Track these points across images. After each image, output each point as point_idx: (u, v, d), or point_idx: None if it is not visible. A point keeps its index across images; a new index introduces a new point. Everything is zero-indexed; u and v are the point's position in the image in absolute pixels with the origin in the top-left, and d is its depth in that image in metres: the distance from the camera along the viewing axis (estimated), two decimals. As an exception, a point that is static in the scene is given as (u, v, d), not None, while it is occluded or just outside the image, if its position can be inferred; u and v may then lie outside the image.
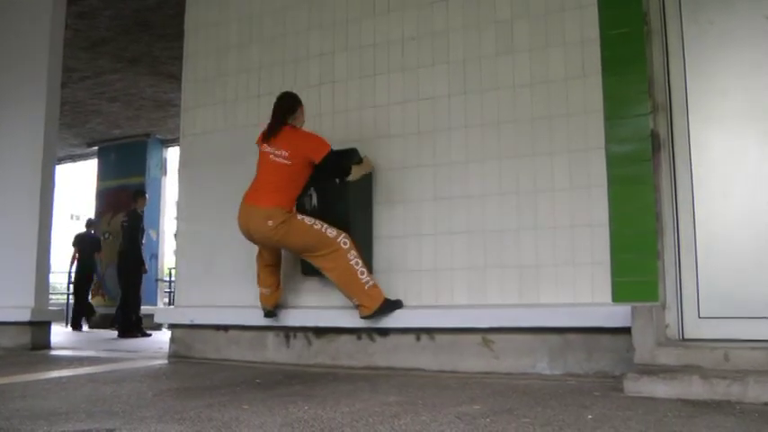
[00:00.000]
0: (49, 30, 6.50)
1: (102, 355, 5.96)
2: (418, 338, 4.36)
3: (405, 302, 4.47)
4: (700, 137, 3.79)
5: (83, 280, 11.55)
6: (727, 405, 2.80)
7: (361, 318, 4.36)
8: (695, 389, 2.96)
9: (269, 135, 4.42)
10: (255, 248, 4.80)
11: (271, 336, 4.92)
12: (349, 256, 4.28)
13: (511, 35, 4.37)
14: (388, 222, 4.65)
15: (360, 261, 4.30)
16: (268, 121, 4.52)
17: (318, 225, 4.34)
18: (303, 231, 4.32)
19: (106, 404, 3.05)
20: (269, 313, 4.76)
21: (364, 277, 4.30)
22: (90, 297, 11.99)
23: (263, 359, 4.90)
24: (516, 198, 4.24)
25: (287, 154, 4.33)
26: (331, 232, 4.32)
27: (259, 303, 4.79)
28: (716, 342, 3.45)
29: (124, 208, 12.72)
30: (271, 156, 4.37)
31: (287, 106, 4.50)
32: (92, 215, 13.43)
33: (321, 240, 4.30)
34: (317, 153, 4.34)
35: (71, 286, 12.25)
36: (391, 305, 4.37)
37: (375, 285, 4.34)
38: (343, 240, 4.30)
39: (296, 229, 4.32)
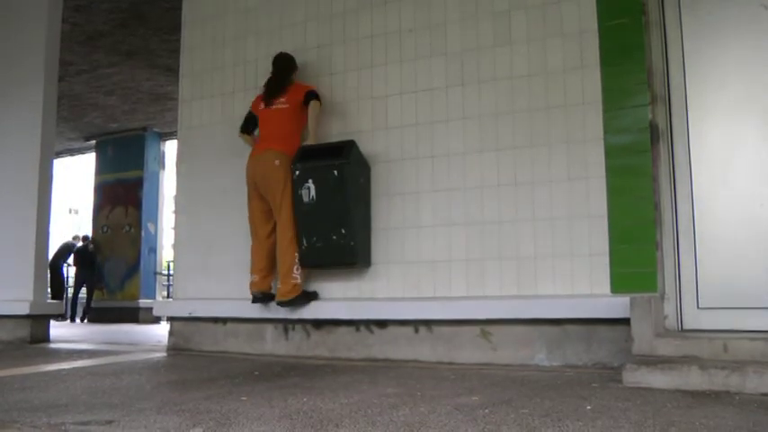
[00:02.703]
0: (46, 24, 6.48)
1: (102, 348, 5.96)
2: (416, 330, 4.37)
3: (403, 294, 4.49)
4: (698, 127, 3.79)
5: None
6: (726, 395, 2.81)
7: (277, 302, 4.71)
8: (694, 379, 2.96)
9: (270, 96, 4.87)
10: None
11: (269, 328, 4.92)
12: (296, 249, 4.67)
13: (508, 26, 4.36)
14: (386, 214, 4.65)
15: (297, 257, 4.67)
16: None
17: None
18: (289, 190, 4.67)
19: (105, 396, 3.05)
20: (256, 298, 4.81)
21: (296, 273, 4.67)
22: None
23: (261, 351, 4.90)
24: (514, 189, 4.24)
25: (284, 100, 4.81)
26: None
27: None
28: (715, 333, 3.45)
29: (122, 202, 12.82)
30: (272, 108, 4.84)
31: (286, 66, 4.95)
32: (89, 210, 13.54)
33: (291, 211, 4.67)
34: (305, 89, 4.81)
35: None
36: (307, 296, 4.73)
37: (300, 283, 4.70)
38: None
39: (288, 179, 4.67)
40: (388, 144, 4.69)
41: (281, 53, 4.98)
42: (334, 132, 4.85)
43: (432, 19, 4.63)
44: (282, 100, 4.82)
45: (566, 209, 4.07)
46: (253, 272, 4.83)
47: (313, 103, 4.75)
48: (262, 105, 4.91)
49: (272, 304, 4.82)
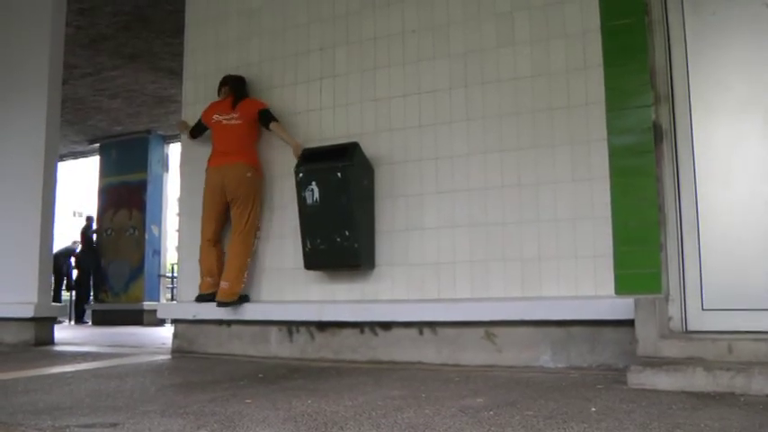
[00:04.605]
0: (49, 27, 6.48)
1: (106, 350, 5.96)
2: (421, 332, 4.36)
3: (407, 296, 4.51)
4: (702, 128, 3.78)
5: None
6: (731, 397, 2.80)
7: (219, 300, 4.96)
8: (699, 381, 2.95)
9: (225, 111, 5.17)
10: (258, 241, 4.85)
11: (274, 330, 4.92)
12: (250, 253, 5.05)
13: (512, 27, 4.36)
14: (390, 216, 4.65)
15: (249, 261, 5.05)
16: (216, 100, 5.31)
17: (259, 212, 5.11)
18: (257, 204, 5.09)
19: (110, 399, 3.05)
20: (204, 298, 5.10)
21: (245, 277, 5.02)
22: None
23: (266, 354, 4.90)
24: (518, 191, 4.23)
25: (237, 115, 5.11)
26: (258, 225, 5.10)
27: (260, 298, 4.91)
28: (719, 334, 3.44)
29: (126, 204, 12.84)
30: (224, 121, 5.15)
31: (243, 88, 5.27)
32: (94, 212, 13.58)
33: (254, 222, 5.06)
34: (257, 106, 5.12)
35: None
36: (243, 299, 5.01)
37: (243, 285, 5.01)
38: (255, 242, 5.09)
39: (258, 194, 5.10)
40: (392, 146, 4.69)
41: (232, 74, 5.31)
42: (338, 135, 4.85)
43: (435, 20, 4.63)
44: (236, 115, 5.12)
45: (569, 210, 4.07)
46: (207, 275, 5.11)
47: (275, 125, 5.03)
48: (215, 118, 5.21)
49: (278, 306, 4.84)
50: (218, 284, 5.04)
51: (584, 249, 4.00)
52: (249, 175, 5.04)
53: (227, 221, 5.17)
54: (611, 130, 3.97)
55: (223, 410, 2.70)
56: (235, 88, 5.22)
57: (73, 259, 13.53)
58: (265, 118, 5.06)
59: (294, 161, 4.78)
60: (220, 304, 4.96)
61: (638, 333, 3.36)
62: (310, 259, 4.66)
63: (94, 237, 13.26)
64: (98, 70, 9.67)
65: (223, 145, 5.16)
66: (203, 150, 5.50)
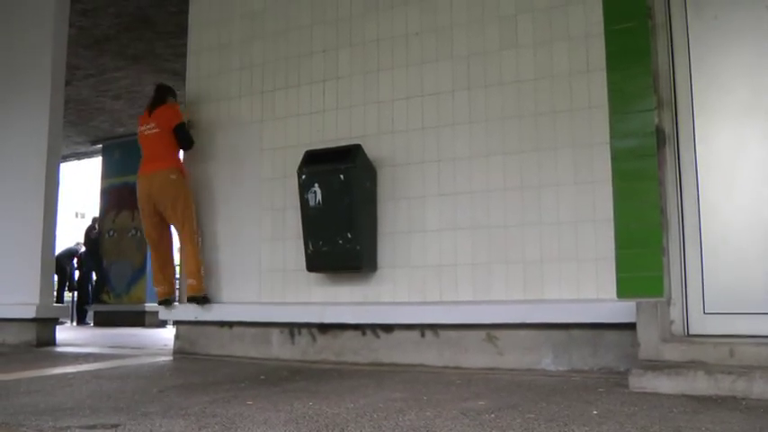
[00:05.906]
0: (52, 28, 6.50)
1: (108, 351, 5.97)
2: (423, 334, 4.36)
3: (409, 299, 4.52)
4: (705, 132, 3.77)
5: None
6: (733, 401, 2.80)
7: (190, 296, 5.18)
8: (700, 384, 2.95)
9: (143, 122, 5.46)
10: (260, 243, 4.85)
11: (275, 332, 4.92)
12: (198, 249, 5.26)
13: (515, 30, 4.36)
14: (392, 218, 4.65)
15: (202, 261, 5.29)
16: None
17: (194, 211, 5.31)
18: (188, 202, 5.29)
19: (111, 400, 3.05)
20: (162, 303, 5.37)
21: (203, 273, 5.25)
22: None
23: (267, 355, 4.90)
24: (520, 193, 4.23)
25: (153, 125, 5.35)
26: (197, 226, 5.31)
27: (261, 300, 4.91)
28: (721, 338, 3.43)
29: (128, 205, 12.85)
30: (146, 132, 5.41)
31: (160, 96, 5.51)
32: (96, 213, 13.60)
33: (191, 220, 5.27)
34: (173, 120, 5.32)
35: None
36: (207, 299, 5.23)
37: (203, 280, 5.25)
38: (198, 239, 5.31)
39: (186, 193, 5.29)
40: (395, 148, 4.70)
41: (158, 84, 5.68)
42: (340, 137, 4.86)
43: (438, 23, 4.64)
44: (153, 124, 5.37)
45: (572, 213, 4.07)
46: (160, 283, 5.37)
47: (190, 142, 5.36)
48: (139, 130, 5.50)
49: (281, 307, 4.86)
50: (172, 292, 5.37)
51: (586, 252, 4.00)
52: (173, 177, 5.24)
53: (168, 226, 5.39)
54: (614, 133, 3.95)
55: (224, 412, 2.71)
56: (154, 97, 5.49)
57: (75, 260, 13.58)
58: (185, 143, 5.32)
59: (296, 163, 4.78)
60: (192, 299, 5.16)
61: (640, 336, 3.36)
62: (312, 261, 4.67)
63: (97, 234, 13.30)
64: (101, 71, 9.69)
65: (148, 152, 5.41)
66: (204, 151, 5.52)
